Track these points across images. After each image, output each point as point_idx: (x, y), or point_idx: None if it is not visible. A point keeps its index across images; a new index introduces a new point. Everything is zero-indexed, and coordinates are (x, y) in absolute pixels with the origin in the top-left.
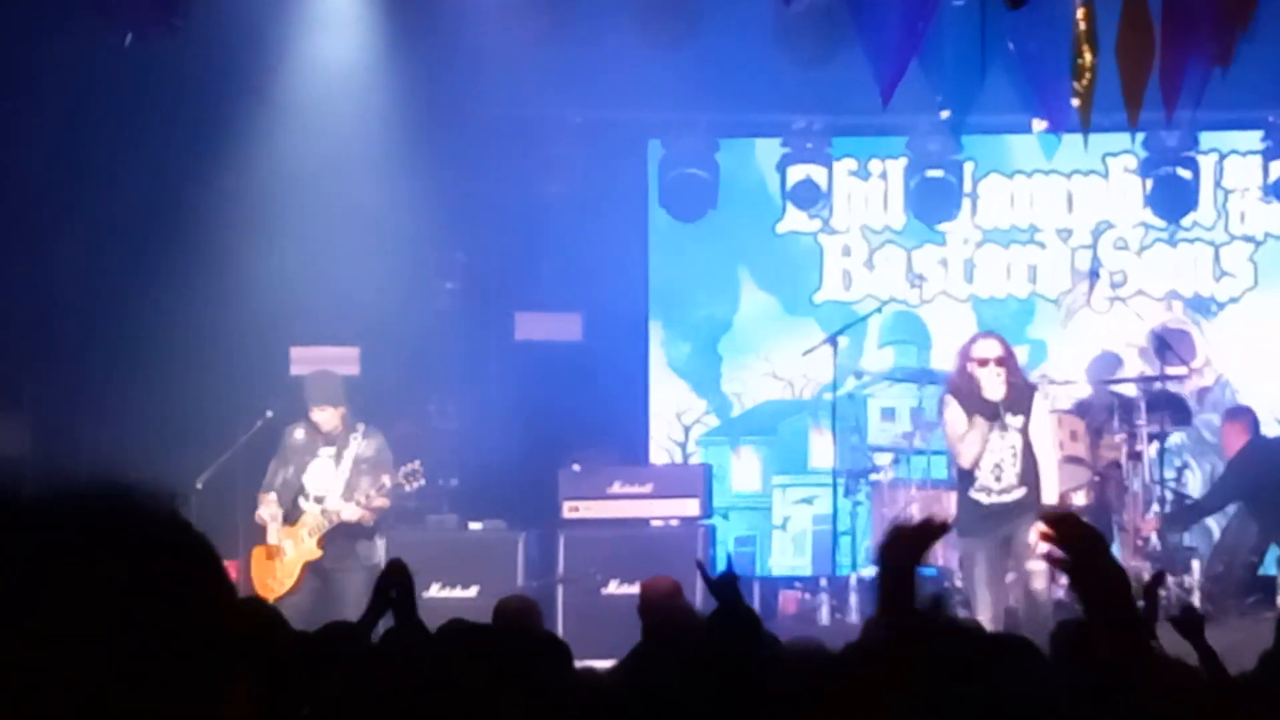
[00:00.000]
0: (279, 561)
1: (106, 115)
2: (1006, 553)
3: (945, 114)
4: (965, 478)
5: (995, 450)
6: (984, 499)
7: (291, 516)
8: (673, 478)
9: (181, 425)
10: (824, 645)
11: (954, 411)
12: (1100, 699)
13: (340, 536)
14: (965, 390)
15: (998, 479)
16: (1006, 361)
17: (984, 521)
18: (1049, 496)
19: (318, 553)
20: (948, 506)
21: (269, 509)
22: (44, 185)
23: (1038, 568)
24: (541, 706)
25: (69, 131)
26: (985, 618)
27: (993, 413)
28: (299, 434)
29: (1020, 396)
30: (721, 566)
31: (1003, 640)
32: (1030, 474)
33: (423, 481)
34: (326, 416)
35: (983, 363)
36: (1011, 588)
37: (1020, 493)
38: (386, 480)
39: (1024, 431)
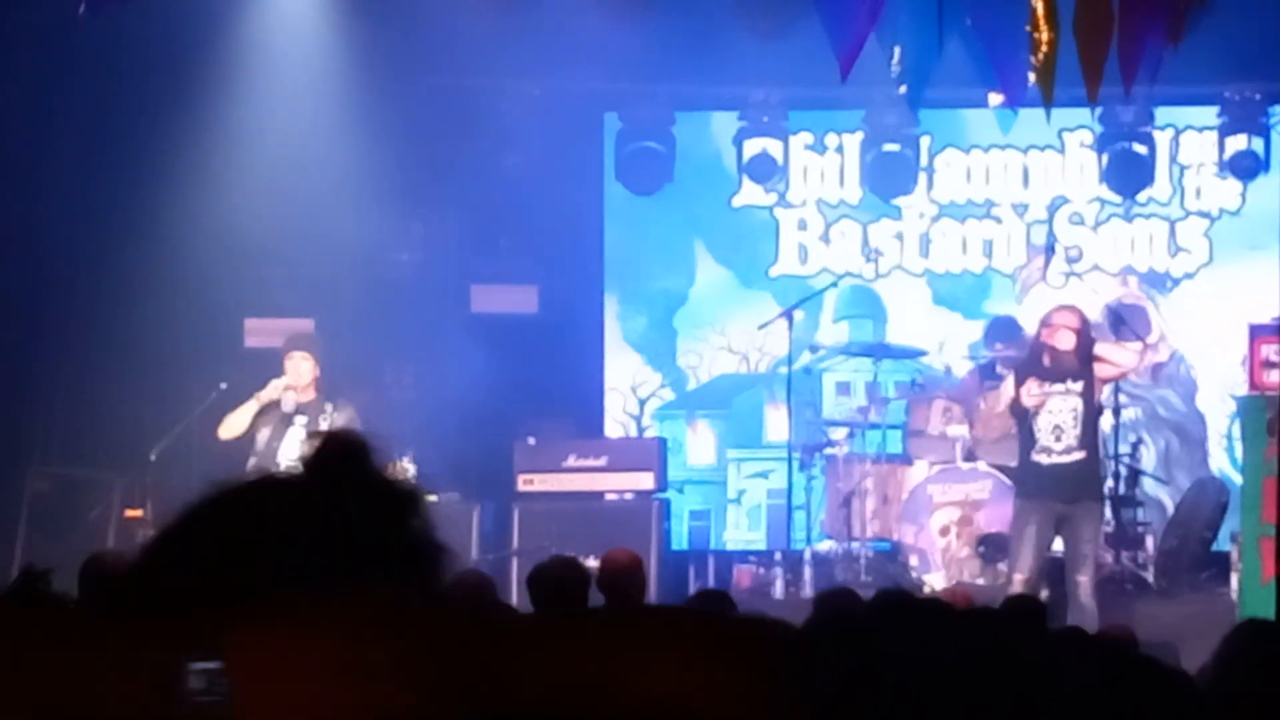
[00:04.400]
0: None
1: (53, 85)
2: (1055, 527)
3: (903, 89)
4: (1027, 439)
5: (1057, 411)
6: (1044, 460)
7: None
8: (628, 451)
9: (136, 397)
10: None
11: (1007, 384)
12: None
13: None
14: (1036, 361)
15: (1058, 438)
16: (1079, 330)
17: (1043, 482)
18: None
19: None
20: (902, 482)
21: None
22: None
23: (1085, 580)
24: None
25: (14, 102)
26: (1018, 579)
27: (1058, 374)
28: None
29: (1085, 362)
30: (678, 543)
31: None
32: (1090, 437)
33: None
34: (307, 368)
35: (1056, 329)
36: (1051, 573)
37: (1080, 455)
38: None
39: (1084, 395)
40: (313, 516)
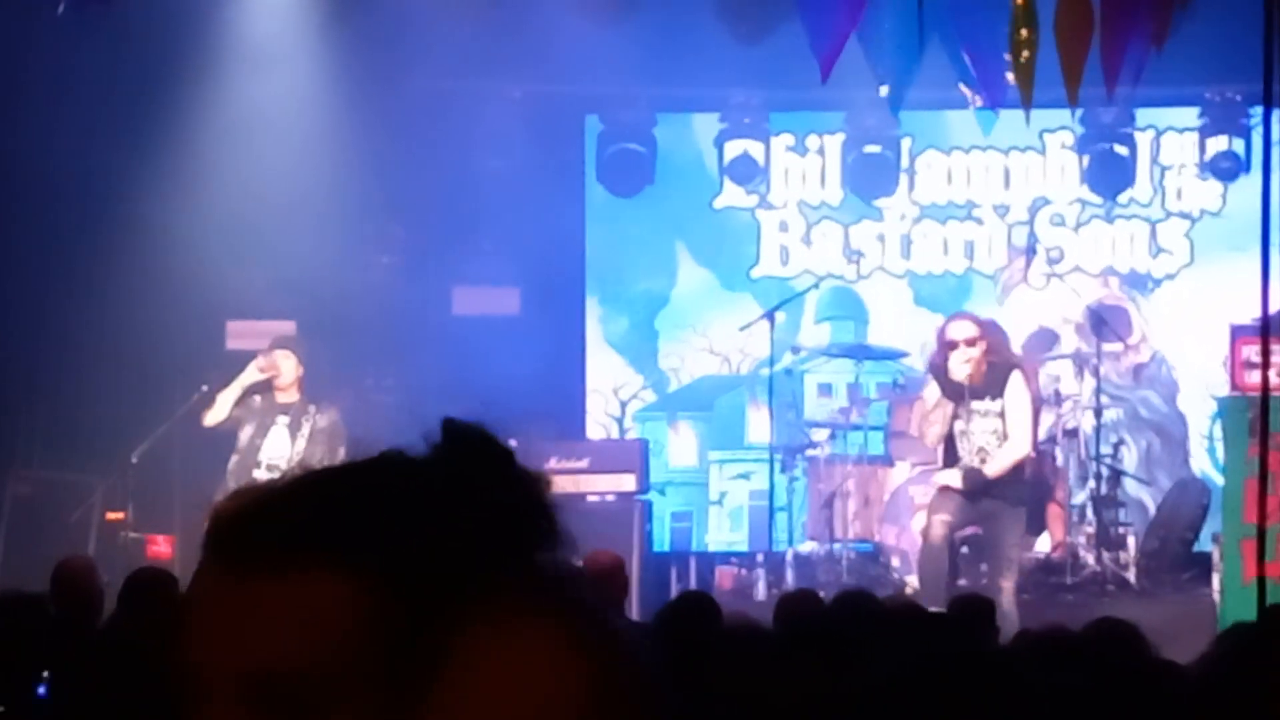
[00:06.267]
0: None
1: (31, 86)
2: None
3: (884, 90)
4: (951, 456)
5: (977, 434)
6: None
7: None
8: (609, 453)
9: (118, 399)
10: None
11: (930, 390)
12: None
13: None
14: (938, 369)
15: (983, 462)
16: (978, 342)
17: (991, 487)
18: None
19: None
20: (884, 483)
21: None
22: None
23: (1009, 585)
24: None
25: None
26: (1008, 585)
27: (957, 394)
28: (257, 398)
29: (997, 378)
30: (660, 545)
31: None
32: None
33: None
34: (290, 366)
35: (952, 345)
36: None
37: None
38: (342, 453)
39: (1003, 415)
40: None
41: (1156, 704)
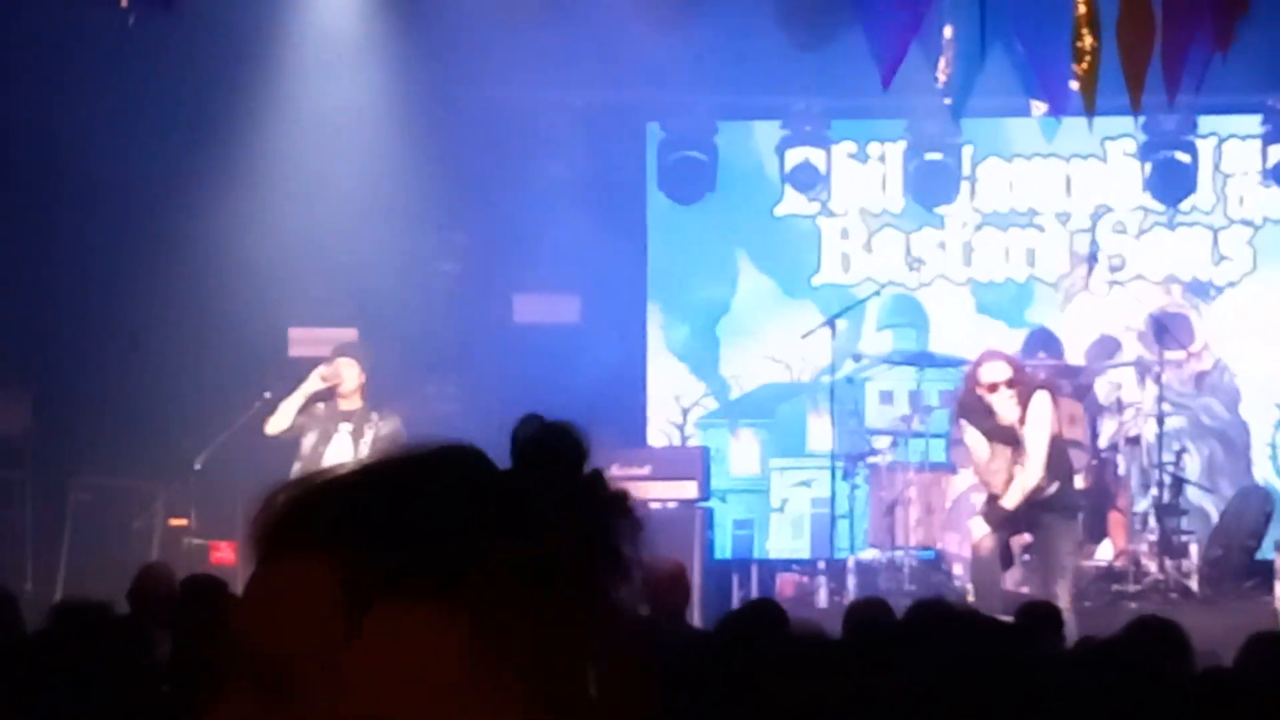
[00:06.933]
0: None
1: (101, 95)
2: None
3: (947, 100)
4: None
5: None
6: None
7: None
8: (671, 460)
9: (181, 405)
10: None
11: (974, 437)
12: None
13: None
14: (979, 412)
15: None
16: (1015, 381)
17: (1035, 510)
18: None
19: None
20: (945, 490)
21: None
22: (44, 167)
23: (1065, 594)
24: None
25: (65, 112)
26: (1064, 594)
27: (1012, 437)
28: (320, 406)
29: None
30: (721, 552)
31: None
32: (1061, 468)
33: None
34: (353, 374)
35: (993, 387)
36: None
37: (1054, 488)
38: None
39: (1022, 441)
40: (506, 497)
41: (1195, 704)
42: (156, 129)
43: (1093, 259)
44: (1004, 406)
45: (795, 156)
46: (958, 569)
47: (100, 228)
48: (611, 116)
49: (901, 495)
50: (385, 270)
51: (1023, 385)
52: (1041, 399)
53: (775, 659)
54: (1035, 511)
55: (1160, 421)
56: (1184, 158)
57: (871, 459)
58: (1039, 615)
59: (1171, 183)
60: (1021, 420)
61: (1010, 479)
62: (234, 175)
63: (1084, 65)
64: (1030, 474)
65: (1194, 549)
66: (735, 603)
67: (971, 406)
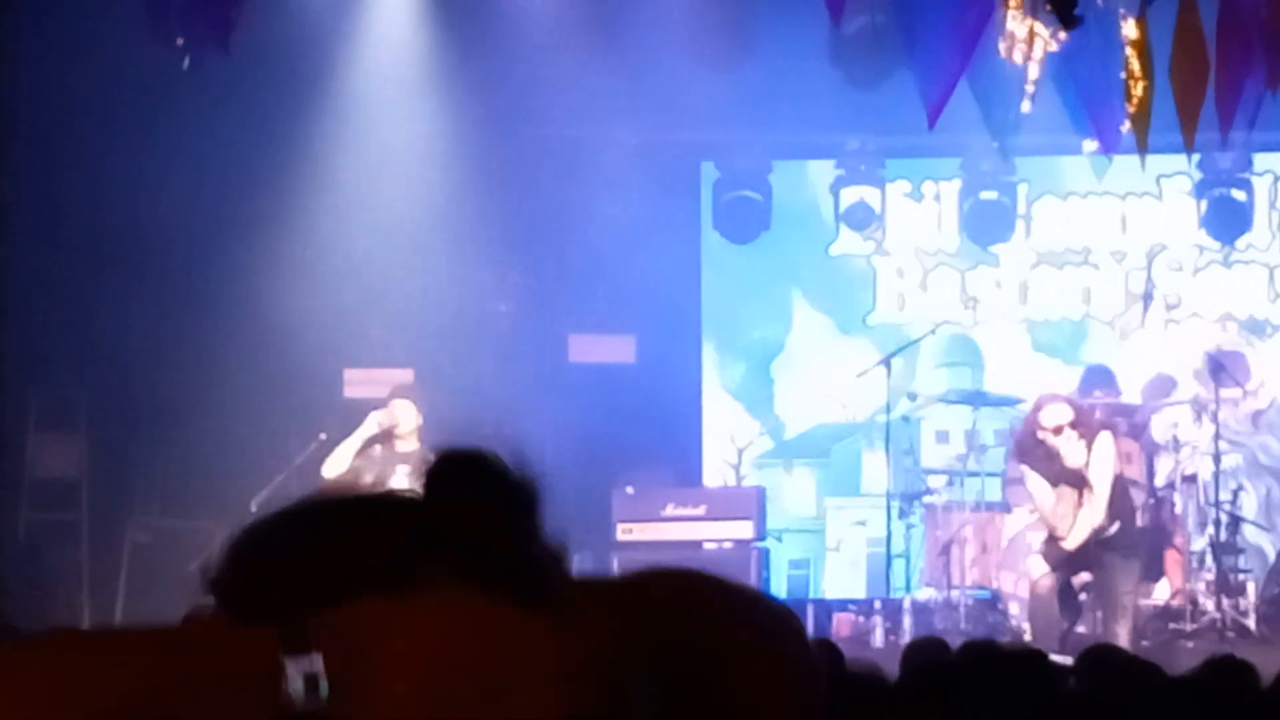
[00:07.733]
0: None
1: (157, 137)
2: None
3: (996, 144)
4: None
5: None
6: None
7: None
8: (726, 500)
9: (237, 446)
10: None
11: (1036, 483)
12: None
13: None
14: (1041, 456)
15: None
16: (1078, 423)
17: (1096, 549)
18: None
19: None
20: (1001, 530)
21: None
22: (100, 209)
23: (1124, 633)
24: None
25: (118, 154)
26: (1123, 632)
27: (1077, 479)
28: (377, 448)
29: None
30: (776, 592)
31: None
32: (1123, 508)
33: None
34: (410, 415)
35: (1057, 430)
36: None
37: (1115, 527)
38: None
39: (1085, 482)
40: (417, 521)
41: None
42: (212, 169)
43: (1148, 297)
44: (1069, 449)
45: (850, 196)
46: (1014, 608)
47: (157, 268)
48: (666, 156)
49: (957, 534)
50: (441, 310)
51: (1085, 427)
52: (1105, 439)
53: (834, 699)
54: (1096, 551)
55: (1217, 460)
56: (1240, 195)
57: (927, 498)
58: (1101, 657)
59: (1227, 220)
60: (1086, 464)
61: (1075, 521)
62: (287, 216)
63: (1136, 103)
64: (1094, 514)
65: (1251, 587)
66: None
67: (1031, 450)
